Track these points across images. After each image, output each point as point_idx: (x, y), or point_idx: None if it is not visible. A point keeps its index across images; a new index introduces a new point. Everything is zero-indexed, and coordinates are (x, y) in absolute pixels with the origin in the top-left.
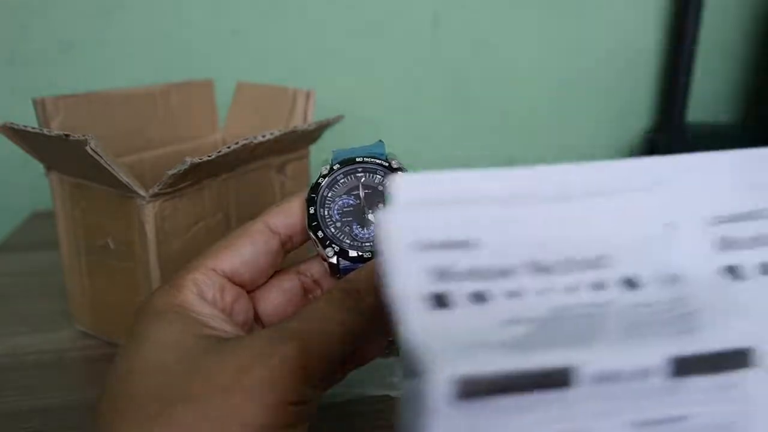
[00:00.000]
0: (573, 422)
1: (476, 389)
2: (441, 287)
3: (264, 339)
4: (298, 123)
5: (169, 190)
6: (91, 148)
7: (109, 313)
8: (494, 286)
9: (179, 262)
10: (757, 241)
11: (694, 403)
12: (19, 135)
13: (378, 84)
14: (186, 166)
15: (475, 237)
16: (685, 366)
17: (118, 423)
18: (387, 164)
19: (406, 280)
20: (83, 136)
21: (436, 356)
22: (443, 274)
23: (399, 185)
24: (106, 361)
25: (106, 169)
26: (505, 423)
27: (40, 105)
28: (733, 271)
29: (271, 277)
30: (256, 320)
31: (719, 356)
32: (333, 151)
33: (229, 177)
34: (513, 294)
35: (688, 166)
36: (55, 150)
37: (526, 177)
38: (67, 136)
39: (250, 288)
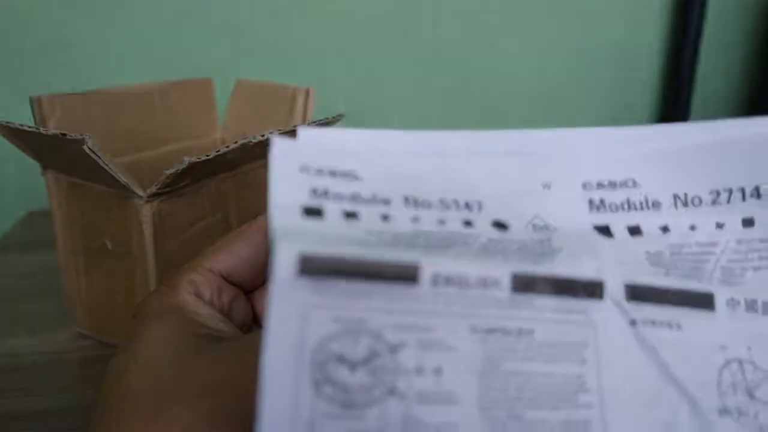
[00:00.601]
0: (416, 317)
1: (317, 268)
2: (317, 203)
3: (260, 338)
4: (297, 122)
5: (167, 189)
6: (89, 148)
7: (107, 314)
8: (368, 210)
9: (177, 262)
10: (626, 206)
11: (540, 320)
12: (15, 134)
13: (378, 83)
14: (184, 166)
15: (357, 172)
16: (528, 283)
17: (115, 422)
18: None
19: (285, 192)
20: (80, 135)
21: (288, 239)
22: (323, 194)
23: (302, 128)
24: (103, 362)
25: (104, 168)
26: (350, 304)
27: (36, 103)
28: (603, 231)
29: None
30: (255, 321)
31: (566, 282)
32: None
33: (228, 176)
34: (385, 217)
35: (571, 137)
36: (52, 149)
37: (413, 137)
38: (63, 135)
39: (248, 288)
